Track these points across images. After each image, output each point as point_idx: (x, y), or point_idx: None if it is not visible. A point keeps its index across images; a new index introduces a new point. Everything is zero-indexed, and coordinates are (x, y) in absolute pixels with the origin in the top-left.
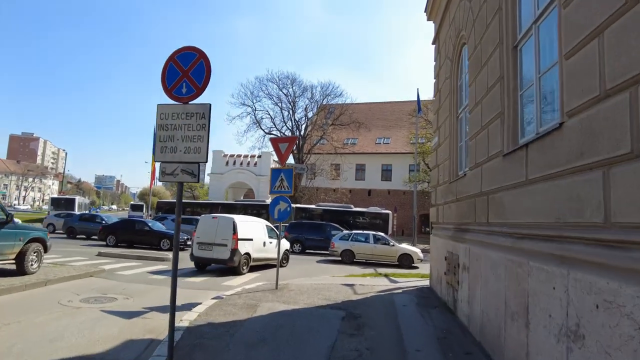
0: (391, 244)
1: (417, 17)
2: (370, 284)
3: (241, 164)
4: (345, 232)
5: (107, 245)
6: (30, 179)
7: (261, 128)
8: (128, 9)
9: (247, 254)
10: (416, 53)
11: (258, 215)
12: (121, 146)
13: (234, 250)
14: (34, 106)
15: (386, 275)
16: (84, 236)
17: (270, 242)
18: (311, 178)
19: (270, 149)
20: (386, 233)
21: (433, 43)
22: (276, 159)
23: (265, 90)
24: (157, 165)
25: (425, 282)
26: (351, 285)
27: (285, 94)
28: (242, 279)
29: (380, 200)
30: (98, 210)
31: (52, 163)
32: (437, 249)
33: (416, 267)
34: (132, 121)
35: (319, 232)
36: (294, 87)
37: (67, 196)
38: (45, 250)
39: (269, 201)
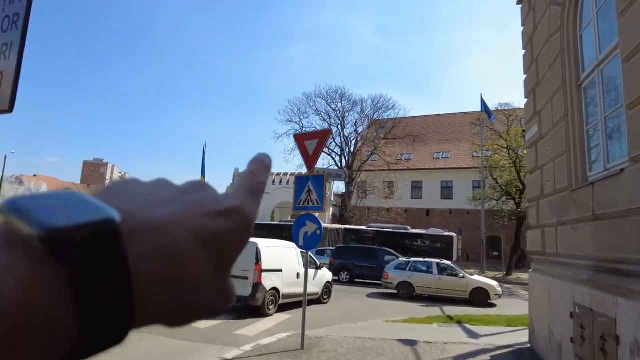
0: (460, 275)
1: (464, 31)
2: (440, 339)
3: (288, 182)
4: (402, 259)
5: None
6: None
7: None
8: (188, 39)
9: (275, 289)
10: (468, 66)
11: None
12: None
13: (257, 285)
14: (104, 133)
15: (459, 322)
16: None
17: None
18: (362, 197)
19: (317, 165)
20: (450, 258)
21: (518, 3)
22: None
23: (313, 106)
24: None
25: (519, 336)
26: (413, 344)
27: (333, 109)
28: (264, 324)
29: (441, 221)
30: None
31: None
32: (546, 294)
33: (493, 305)
34: (188, 145)
35: (370, 258)
36: (343, 102)
37: None
38: None
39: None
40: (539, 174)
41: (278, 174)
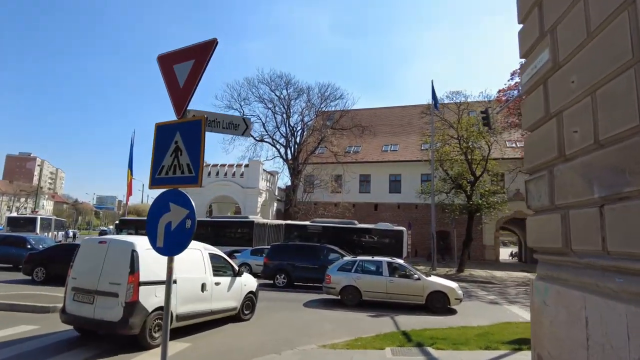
0: (415, 276)
1: (418, 35)
2: None
3: (225, 174)
4: (347, 258)
5: (32, 282)
6: (23, 199)
7: (251, 135)
8: (128, 25)
9: (162, 309)
10: (422, 68)
11: (237, 237)
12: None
13: (132, 305)
14: (34, 127)
15: (420, 345)
16: (10, 265)
17: (218, 283)
18: (309, 191)
19: (260, 156)
20: (400, 255)
21: None
22: (267, 167)
23: (255, 92)
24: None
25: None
26: None
27: (278, 96)
28: None
29: (389, 216)
30: (76, 232)
31: (50, 183)
32: (578, 322)
33: (454, 311)
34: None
35: (311, 258)
36: (288, 89)
37: (27, 215)
38: None
39: (254, 218)
40: (553, 126)
41: (215, 165)
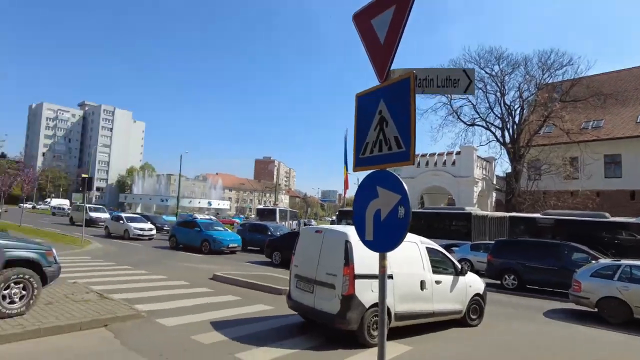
0: None
1: None
2: None
3: (435, 164)
4: (604, 261)
5: (271, 264)
6: (267, 194)
7: (461, 119)
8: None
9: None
10: None
11: (452, 230)
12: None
13: (349, 298)
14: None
15: None
16: (257, 248)
17: (438, 282)
18: (535, 178)
19: (472, 142)
20: None
21: None
22: (481, 153)
23: None
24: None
25: None
26: None
27: (489, 74)
28: None
29: None
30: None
31: (285, 181)
32: None
33: None
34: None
35: (548, 257)
36: (500, 64)
37: (269, 207)
38: (45, 281)
39: (472, 209)
40: None
41: (424, 155)
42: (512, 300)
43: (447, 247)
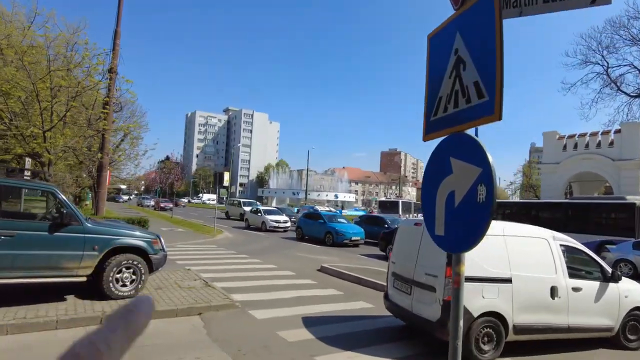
0: None
1: None
2: None
3: (586, 145)
4: None
5: (385, 258)
6: (393, 187)
7: (622, 90)
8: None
9: (496, 314)
10: None
11: (608, 225)
12: None
13: (449, 304)
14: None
15: None
16: (375, 240)
17: (577, 289)
18: None
19: (638, 118)
20: None
21: None
22: None
23: (625, 33)
24: None
25: None
26: None
27: None
28: None
29: None
30: None
31: (412, 172)
32: None
33: None
34: None
35: None
36: None
37: (391, 199)
38: (151, 268)
39: (636, 199)
40: None
41: (571, 136)
42: None
43: (600, 245)
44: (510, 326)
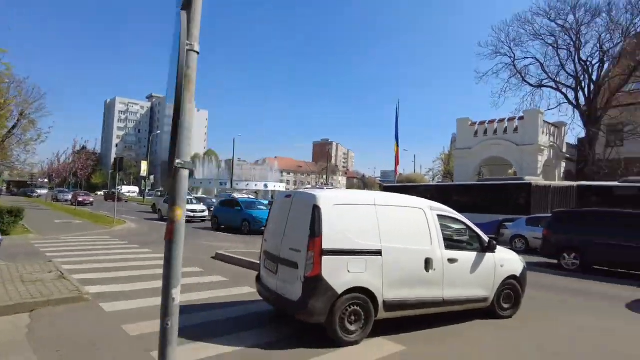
0: None
1: None
2: None
3: (495, 131)
4: None
5: None
6: (325, 176)
7: (526, 81)
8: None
9: (363, 290)
10: None
11: (510, 204)
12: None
13: (311, 281)
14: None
15: None
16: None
17: (453, 260)
18: (616, 144)
19: (539, 106)
20: None
21: None
22: (549, 118)
23: (529, 28)
24: None
25: None
26: None
27: (561, 26)
28: None
29: None
30: None
31: (344, 161)
32: None
33: None
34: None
35: (625, 231)
36: (577, 13)
37: (317, 187)
38: None
39: (532, 179)
40: None
41: (482, 123)
42: (572, 285)
43: (501, 223)
44: (380, 303)
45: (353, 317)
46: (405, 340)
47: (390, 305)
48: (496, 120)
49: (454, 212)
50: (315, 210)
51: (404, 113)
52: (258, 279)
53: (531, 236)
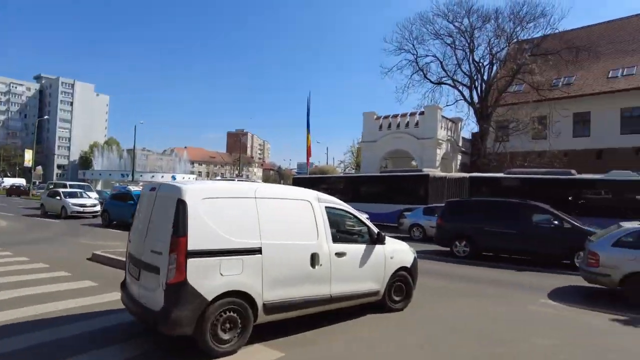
0: None
1: None
2: None
3: (398, 125)
4: (630, 226)
5: None
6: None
7: (427, 78)
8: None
9: (240, 294)
10: None
11: (410, 195)
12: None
13: (175, 288)
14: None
15: None
16: None
17: (341, 254)
18: (503, 139)
19: (439, 102)
20: None
21: None
22: (449, 113)
23: (431, 28)
24: None
25: None
26: None
27: (458, 28)
28: None
29: (621, 165)
30: None
31: (259, 153)
32: None
33: None
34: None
35: (508, 219)
36: (470, 18)
37: (227, 178)
38: None
39: (430, 171)
40: None
41: (386, 117)
42: (465, 272)
43: (401, 213)
44: (260, 306)
45: (228, 325)
46: (286, 345)
47: (271, 308)
48: (399, 115)
49: (343, 203)
50: (180, 205)
51: (320, 105)
52: (123, 285)
53: (428, 225)
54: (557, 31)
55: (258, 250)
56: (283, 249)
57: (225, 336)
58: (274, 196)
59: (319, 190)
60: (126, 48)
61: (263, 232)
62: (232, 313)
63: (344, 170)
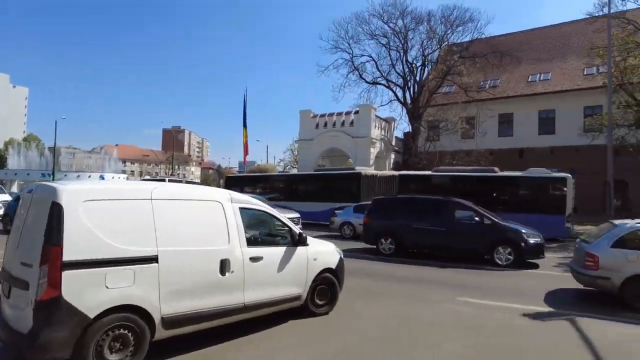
0: None
1: None
2: None
3: (334, 124)
4: (630, 223)
5: None
6: (175, 167)
7: (362, 78)
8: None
9: (130, 309)
10: None
11: (343, 193)
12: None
13: (46, 306)
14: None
15: None
16: None
17: (256, 259)
18: (433, 139)
19: (374, 102)
20: (562, 211)
21: None
22: (383, 113)
23: (366, 28)
24: None
25: None
26: None
27: (392, 29)
28: None
29: (539, 163)
30: None
31: (197, 151)
32: None
33: None
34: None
35: (433, 216)
36: (405, 19)
37: (158, 178)
38: None
39: (362, 169)
40: None
41: (322, 116)
42: (393, 269)
43: (334, 211)
44: (158, 320)
45: (118, 344)
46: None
47: (171, 322)
48: (335, 114)
49: (261, 203)
50: (54, 209)
51: (260, 103)
52: None
53: (357, 223)
54: (484, 36)
55: (153, 259)
56: (185, 256)
57: (113, 357)
58: (176, 197)
59: (255, 189)
60: (46, 39)
61: (160, 238)
62: (123, 330)
63: (285, 169)
